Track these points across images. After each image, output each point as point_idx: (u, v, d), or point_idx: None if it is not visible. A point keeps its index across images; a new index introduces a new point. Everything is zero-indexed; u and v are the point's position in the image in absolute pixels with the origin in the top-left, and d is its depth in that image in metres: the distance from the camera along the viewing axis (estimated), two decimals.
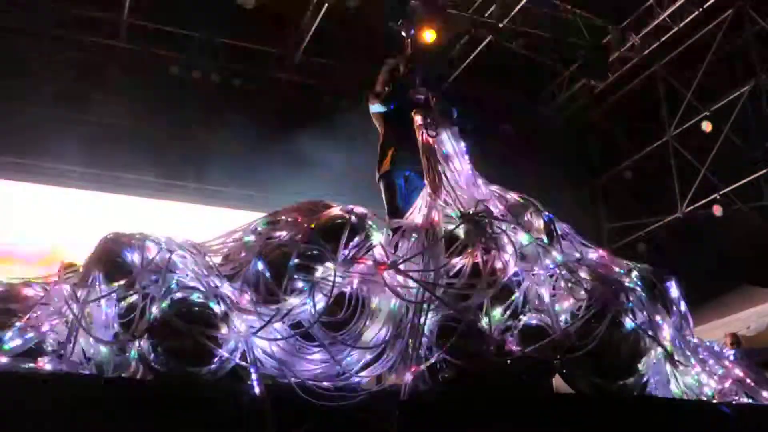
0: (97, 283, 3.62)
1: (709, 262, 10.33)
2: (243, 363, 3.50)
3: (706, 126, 11.49)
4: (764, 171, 10.89)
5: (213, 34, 11.13)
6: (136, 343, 3.47)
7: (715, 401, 4.26)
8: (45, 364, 3.49)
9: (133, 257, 3.67)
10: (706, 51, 11.23)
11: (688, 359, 4.43)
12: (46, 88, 10.14)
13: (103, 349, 3.57)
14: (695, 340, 4.75)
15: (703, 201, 11.50)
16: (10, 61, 10.01)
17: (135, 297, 3.55)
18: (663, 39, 11.65)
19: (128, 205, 10.71)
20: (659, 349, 4.28)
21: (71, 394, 3.27)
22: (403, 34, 6.53)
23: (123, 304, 3.61)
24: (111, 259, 3.70)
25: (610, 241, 12.42)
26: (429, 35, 10.31)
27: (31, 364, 3.47)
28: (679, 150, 11.89)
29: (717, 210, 11.32)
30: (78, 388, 3.36)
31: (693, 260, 10.05)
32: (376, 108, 5.88)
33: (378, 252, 4.07)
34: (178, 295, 3.56)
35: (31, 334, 3.56)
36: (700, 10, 11.06)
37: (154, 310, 3.46)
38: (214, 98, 11.18)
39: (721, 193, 11.32)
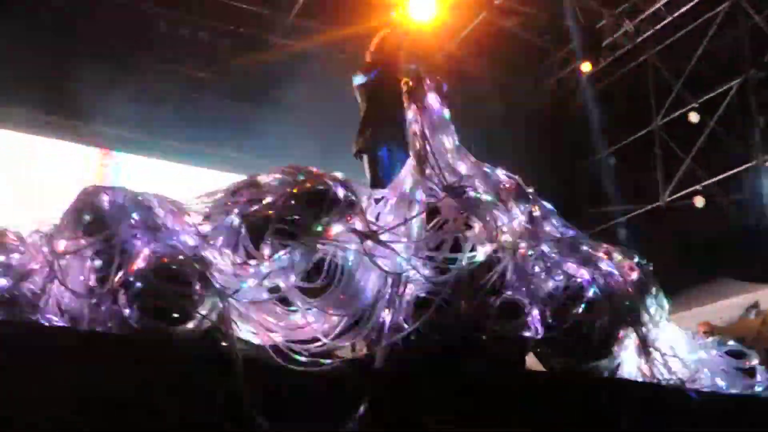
0: (74, 235, 3.58)
1: (687, 253, 10.43)
2: (218, 324, 3.49)
3: (694, 117, 11.53)
4: (747, 165, 10.96)
5: None
6: (112, 298, 3.44)
7: (685, 387, 4.30)
8: (19, 314, 3.46)
9: (112, 211, 3.63)
10: (699, 42, 11.24)
11: (662, 345, 4.47)
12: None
13: (78, 302, 3.54)
14: (669, 327, 4.79)
15: (686, 191, 11.57)
16: None
17: (112, 251, 3.51)
18: (657, 27, 11.65)
19: (113, 161, 10.64)
20: (633, 333, 4.33)
21: (44, 345, 3.24)
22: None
23: (100, 258, 3.57)
24: (89, 212, 3.66)
25: (590, 225, 12.46)
26: (423, 8, 10.26)
27: (3, 314, 3.44)
28: (664, 139, 11.94)
29: (698, 201, 11.40)
30: (51, 339, 3.34)
31: (671, 249, 10.14)
32: (357, 80, 5.82)
33: (359, 221, 4.05)
34: (156, 252, 3.52)
35: (4, 283, 3.51)
36: (696, 1, 11.06)
37: (131, 266, 3.42)
38: (203, 57, 11.07)
39: (703, 184, 11.39)
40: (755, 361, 4.72)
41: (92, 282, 3.55)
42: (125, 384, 3.15)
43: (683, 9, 11.24)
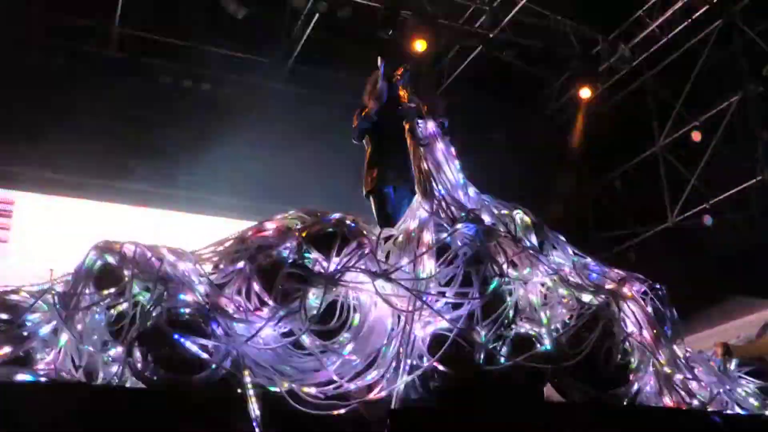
0: (87, 291, 3.60)
1: (699, 272, 10.36)
2: (234, 371, 3.48)
3: (696, 136, 11.55)
4: (753, 181, 10.94)
5: (203, 44, 11.12)
6: (126, 352, 3.44)
7: (706, 411, 4.25)
8: (34, 372, 3.46)
9: (123, 265, 3.65)
10: (696, 62, 11.30)
11: (680, 369, 4.43)
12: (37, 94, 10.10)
13: (93, 357, 3.54)
14: (686, 350, 4.76)
15: (693, 210, 11.55)
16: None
17: (125, 305, 3.53)
18: (652, 49, 11.73)
19: (118, 214, 10.67)
20: (651, 359, 4.29)
21: (60, 401, 3.24)
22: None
23: (113, 312, 3.59)
24: (101, 267, 3.68)
25: (599, 250, 12.43)
26: (419, 45, 10.36)
27: (21, 373, 3.44)
28: (668, 160, 11.95)
29: (706, 220, 11.36)
30: (66, 395, 3.34)
31: (683, 270, 10.08)
32: (360, 125, 5.84)
33: (369, 260, 4.06)
34: (169, 303, 3.54)
35: (19, 343, 3.53)
36: (689, 21, 11.14)
37: (145, 319, 3.43)
38: (205, 107, 11.15)
39: (710, 202, 11.37)
40: None
41: (106, 336, 3.57)
42: None
43: (677, 30, 11.32)
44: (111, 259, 3.71)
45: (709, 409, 4.28)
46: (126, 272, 3.63)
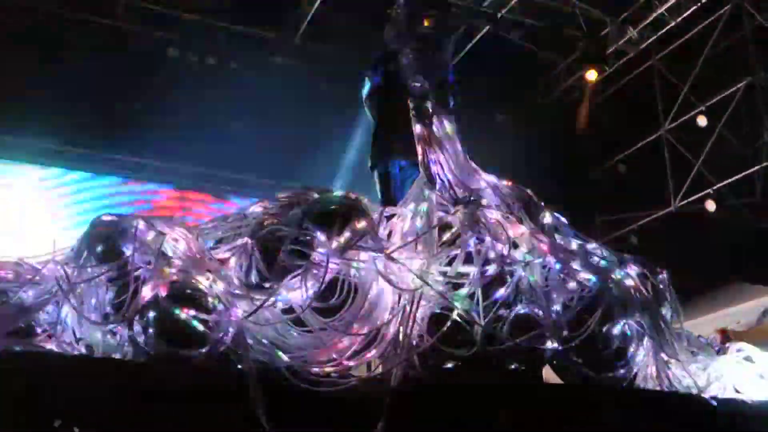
0: (89, 264, 3.61)
1: (700, 257, 10.37)
2: (234, 347, 3.50)
3: (702, 121, 11.51)
4: (757, 167, 10.92)
5: (210, 18, 11.08)
6: (127, 325, 3.46)
7: (703, 395, 4.27)
8: (34, 343, 3.48)
9: (126, 238, 3.66)
10: (704, 46, 11.23)
11: (678, 353, 4.45)
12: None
13: (94, 330, 3.56)
14: (685, 334, 4.77)
15: (697, 196, 11.53)
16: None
17: (126, 278, 3.53)
18: (660, 33, 11.66)
19: (122, 189, 10.70)
20: (649, 342, 4.31)
21: (59, 374, 3.26)
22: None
23: (114, 285, 3.60)
24: (103, 240, 3.69)
25: (601, 233, 12.43)
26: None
27: (20, 345, 3.46)
28: (673, 144, 11.91)
29: (710, 205, 11.35)
30: (67, 368, 3.35)
31: (684, 255, 10.09)
32: (365, 89, 5.83)
33: (371, 238, 4.06)
34: (170, 277, 3.55)
35: (20, 314, 3.54)
36: (699, 4, 11.07)
37: (146, 292, 3.45)
38: (210, 81, 11.14)
39: (714, 188, 11.35)
40: None
41: (107, 309, 3.58)
42: (142, 410, 3.16)
43: (686, 14, 11.25)
44: (113, 233, 3.71)
45: (707, 394, 4.29)
46: (128, 246, 3.63)
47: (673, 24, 11.45)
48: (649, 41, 11.85)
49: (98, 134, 10.40)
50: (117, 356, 3.52)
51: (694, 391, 4.32)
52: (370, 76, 5.83)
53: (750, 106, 11.08)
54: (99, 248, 3.67)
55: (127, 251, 3.62)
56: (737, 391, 4.48)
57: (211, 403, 3.28)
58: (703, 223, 11.36)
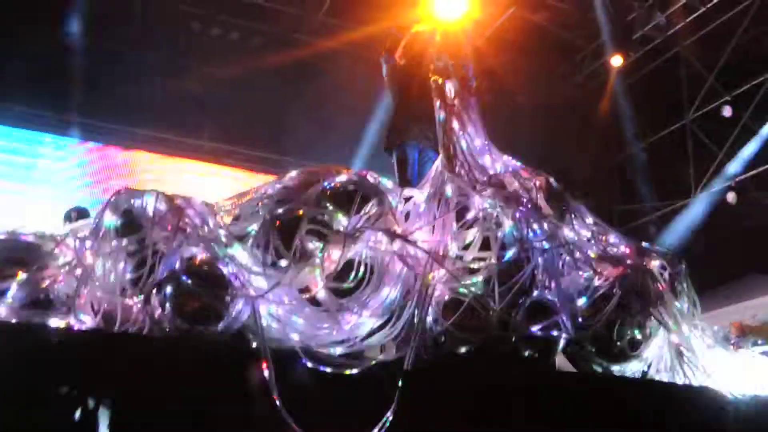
0: (108, 238, 3.63)
1: (719, 249, 10.28)
2: (250, 324, 3.51)
3: (727, 110, 11.36)
4: None
5: None
6: (144, 299, 3.48)
7: (719, 388, 4.24)
8: (52, 316, 3.51)
9: (145, 213, 3.67)
10: (732, 35, 11.06)
11: (694, 344, 4.42)
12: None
13: (111, 303, 3.58)
14: (702, 326, 4.74)
15: (718, 187, 11.41)
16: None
17: (144, 253, 3.55)
18: (689, 19, 11.48)
19: (145, 162, 10.75)
20: (665, 333, 4.28)
21: (77, 347, 3.28)
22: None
23: (132, 260, 3.62)
24: (122, 214, 3.71)
25: (621, 221, 12.35)
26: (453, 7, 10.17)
27: (40, 316, 3.49)
28: (696, 134, 11.77)
29: (731, 197, 11.24)
30: (83, 341, 3.38)
31: (703, 246, 10.01)
32: (385, 70, 5.80)
33: (388, 220, 4.06)
34: (188, 253, 3.56)
35: (39, 286, 3.57)
36: None
37: (163, 267, 3.46)
38: (233, 56, 11.12)
39: (736, 180, 11.22)
40: None
41: (125, 284, 3.60)
42: (157, 384, 3.19)
43: (715, 0, 11.07)
44: (132, 207, 3.72)
45: (721, 387, 4.26)
46: (146, 221, 3.65)
47: (702, 10, 11.26)
48: (677, 27, 11.67)
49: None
50: (133, 330, 3.54)
51: (709, 384, 4.29)
52: (390, 57, 5.80)
53: None
54: (118, 222, 3.69)
55: (146, 225, 3.64)
56: (751, 385, 4.45)
57: (225, 380, 3.30)
58: (723, 214, 11.26)
